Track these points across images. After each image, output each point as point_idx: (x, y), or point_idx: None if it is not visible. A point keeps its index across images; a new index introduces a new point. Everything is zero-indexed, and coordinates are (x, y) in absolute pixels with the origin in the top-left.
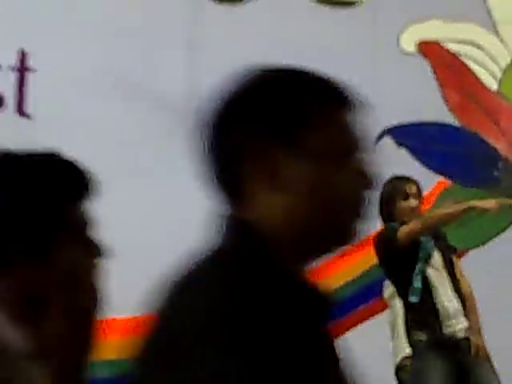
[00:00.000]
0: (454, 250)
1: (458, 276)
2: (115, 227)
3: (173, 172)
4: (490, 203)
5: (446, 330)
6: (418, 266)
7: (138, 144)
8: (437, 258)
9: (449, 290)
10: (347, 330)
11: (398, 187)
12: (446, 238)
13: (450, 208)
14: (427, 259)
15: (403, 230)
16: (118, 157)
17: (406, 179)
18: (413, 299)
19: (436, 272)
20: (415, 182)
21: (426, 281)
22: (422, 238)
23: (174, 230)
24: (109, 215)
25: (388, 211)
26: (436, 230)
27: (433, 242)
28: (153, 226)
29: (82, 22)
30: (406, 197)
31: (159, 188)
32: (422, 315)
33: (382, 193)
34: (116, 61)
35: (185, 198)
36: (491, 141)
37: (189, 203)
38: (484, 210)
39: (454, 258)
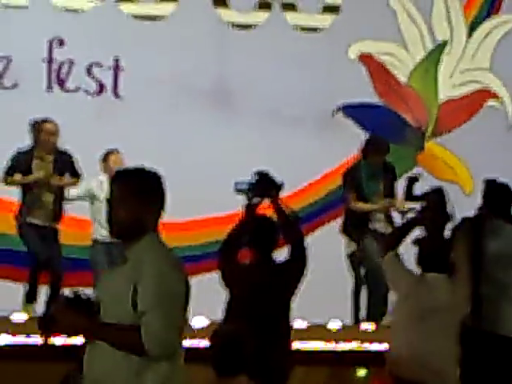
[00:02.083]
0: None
1: None
2: None
3: None
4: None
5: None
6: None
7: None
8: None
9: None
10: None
11: (377, 144)
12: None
13: None
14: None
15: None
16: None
17: (384, 142)
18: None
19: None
20: (388, 144)
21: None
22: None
23: None
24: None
25: (365, 153)
26: (387, 164)
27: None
28: None
29: (154, 41)
30: (380, 155)
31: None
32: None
33: (369, 141)
34: (173, 66)
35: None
36: (403, 115)
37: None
38: None
39: None
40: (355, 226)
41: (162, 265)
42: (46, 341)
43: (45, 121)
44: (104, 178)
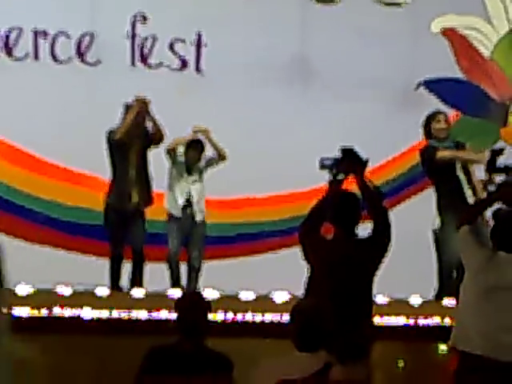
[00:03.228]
0: None
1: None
2: None
3: None
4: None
5: None
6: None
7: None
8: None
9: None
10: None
11: (432, 116)
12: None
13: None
14: None
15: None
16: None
17: (438, 112)
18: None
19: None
20: (444, 113)
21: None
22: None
23: None
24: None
25: (427, 131)
26: (459, 143)
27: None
28: None
29: (236, 17)
30: (438, 121)
31: None
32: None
33: (425, 118)
34: (255, 41)
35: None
36: (486, 89)
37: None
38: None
39: None
40: (446, 205)
41: None
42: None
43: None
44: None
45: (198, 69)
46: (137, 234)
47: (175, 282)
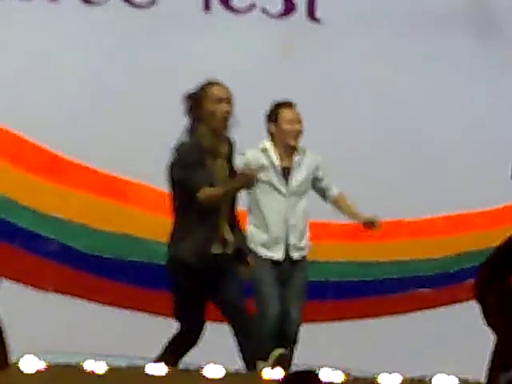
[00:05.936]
0: None
1: None
2: None
3: None
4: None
5: None
6: None
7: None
8: None
9: None
10: None
11: None
12: None
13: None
14: None
15: None
16: None
17: None
18: None
19: None
20: None
21: None
22: None
23: None
24: None
25: None
26: None
27: None
28: None
29: None
30: None
31: None
32: None
33: None
34: None
35: None
36: None
37: None
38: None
39: None
40: None
41: None
42: None
43: (210, 84)
44: (269, 145)
45: (311, 14)
46: (234, 295)
47: (287, 361)
